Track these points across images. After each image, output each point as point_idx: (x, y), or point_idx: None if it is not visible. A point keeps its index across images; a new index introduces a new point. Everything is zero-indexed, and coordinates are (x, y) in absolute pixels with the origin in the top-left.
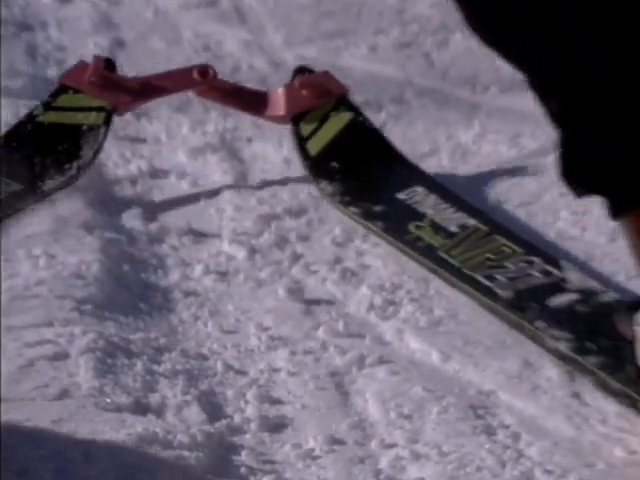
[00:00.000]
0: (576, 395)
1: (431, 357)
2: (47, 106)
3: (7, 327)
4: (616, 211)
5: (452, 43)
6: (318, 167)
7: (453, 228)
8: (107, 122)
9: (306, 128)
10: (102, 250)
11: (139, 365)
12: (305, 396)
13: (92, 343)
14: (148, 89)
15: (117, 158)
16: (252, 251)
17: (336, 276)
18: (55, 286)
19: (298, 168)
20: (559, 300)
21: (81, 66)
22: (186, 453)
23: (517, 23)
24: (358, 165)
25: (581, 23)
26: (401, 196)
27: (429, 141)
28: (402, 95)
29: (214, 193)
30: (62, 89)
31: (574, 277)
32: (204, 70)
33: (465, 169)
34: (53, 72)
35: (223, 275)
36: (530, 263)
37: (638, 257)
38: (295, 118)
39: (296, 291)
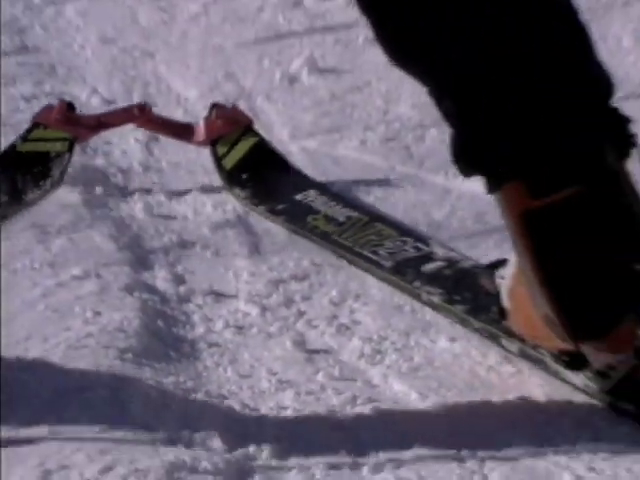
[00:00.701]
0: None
1: (411, 397)
2: (24, 138)
3: (64, 371)
4: (490, 188)
5: (428, 137)
6: (232, 178)
7: (342, 219)
8: (70, 149)
9: (221, 149)
10: (141, 308)
11: (172, 404)
12: (308, 429)
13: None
14: (100, 123)
15: (153, 232)
16: (263, 309)
17: (333, 330)
18: (101, 338)
19: (302, 242)
20: (429, 267)
21: (48, 108)
22: (210, 477)
23: (419, 40)
24: (262, 175)
25: (473, 39)
26: (298, 197)
27: (409, 218)
28: (387, 180)
29: (232, 261)
30: (35, 125)
31: (440, 251)
32: (142, 107)
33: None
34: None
35: (240, 329)
36: (404, 242)
37: (509, 228)
38: (213, 142)
39: (300, 342)
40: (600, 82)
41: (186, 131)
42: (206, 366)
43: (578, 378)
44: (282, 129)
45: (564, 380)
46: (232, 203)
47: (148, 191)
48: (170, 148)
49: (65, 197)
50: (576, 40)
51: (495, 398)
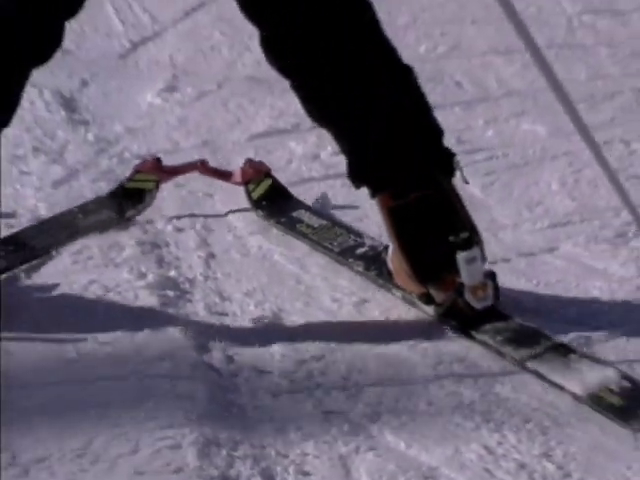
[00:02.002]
0: None
1: (400, 445)
2: (129, 180)
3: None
4: (371, 195)
5: None
6: (257, 204)
7: (316, 225)
8: (157, 187)
9: (251, 187)
10: (202, 380)
11: (223, 451)
12: (325, 469)
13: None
14: (176, 171)
15: (210, 325)
16: (291, 381)
17: (343, 397)
18: (176, 402)
19: (319, 333)
20: (359, 250)
21: (145, 161)
22: None
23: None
24: (274, 202)
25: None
26: (294, 214)
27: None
28: None
29: (268, 346)
30: (136, 172)
31: (367, 241)
32: (202, 161)
33: None
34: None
35: (274, 396)
36: (349, 237)
37: (383, 220)
38: (246, 182)
39: (317, 406)
40: (436, 133)
41: (229, 176)
42: (251, 422)
43: (428, 307)
44: None
45: (421, 309)
46: (269, 302)
47: (207, 295)
48: (223, 262)
49: (146, 299)
50: (420, 107)
51: (463, 448)
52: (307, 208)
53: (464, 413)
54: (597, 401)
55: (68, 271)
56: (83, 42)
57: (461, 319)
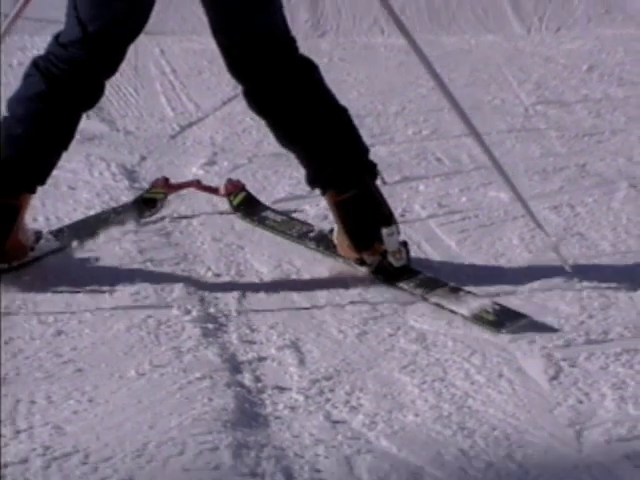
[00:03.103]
0: None
1: (393, 449)
2: (147, 192)
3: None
4: (322, 193)
5: None
6: (236, 209)
7: (279, 219)
8: (165, 197)
9: (232, 197)
10: (235, 396)
11: (251, 453)
12: (334, 468)
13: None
14: (178, 187)
15: (243, 352)
16: (306, 397)
17: (347, 409)
18: (215, 414)
19: (328, 358)
20: (311, 234)
21: (157, 179)
22: None
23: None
24: (248, 206)
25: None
26: (263, 214)
27: None
28: None
29: (286, 370)
30: (152, 186)
31: (315, 228)
32: (198, 180)
33: None
34: None
35: (292, 408)
36: (302, 226)
37: (331, 211)
38: (228, 194)
39: (327, 417)
40: (364, 150)
41: (216, 191)
42: (274, 429)
43: (362, 268)
44: None
45: (358, 269)
46: (289, 333)
47: (239, 327)
48: (252, 301)
49: (191, 330)
50: (352, 134)
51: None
52: (270, 209)
53: (444, 423)
54: (479, 318)
55: (128, 307)
56: (141, 125)
57: (386, 274)
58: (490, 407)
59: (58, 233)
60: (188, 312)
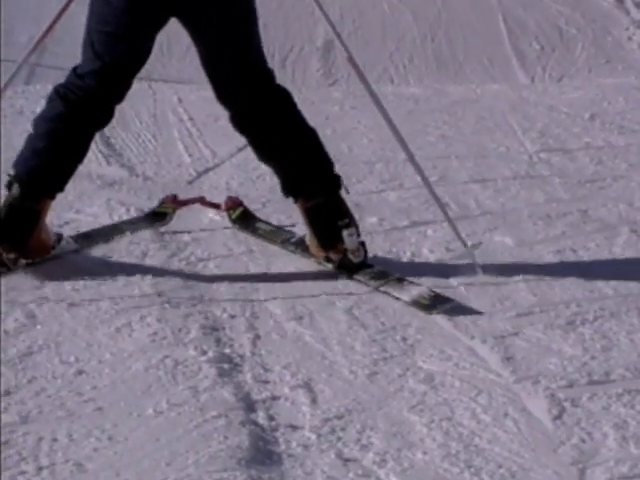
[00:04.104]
0: None
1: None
2: (159, 206)
3: (208, 472)
4: (294, 201)
5: None
6: (234, 222)
7: (268, 229)
8: (174, 212)
9: (231, 212)
10: (250, 434)
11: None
12: None
13: None
14: (185, 202)
15: (257, 391)
16: (318, 435)
17: (358, 448)
18: (233, 453)
19: (340, 398)
20: (292, 240)
21: (167, 196)
22: None
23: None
24: (245, 219)
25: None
26: (257, 225)
27: None
28: None
29: (299, 409)
30: (162, 202)
31: (296, 235)
32: (202, 197)
33: None
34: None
35: (305, 447)
36: (286, 234)
37: (302, 217)
38: (227, 209)
39: (339, 455)
40: (330, 165)
41: (219, 206)
42: (287, 467)
43: (329, 264)
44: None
45: (326, 266)
46: (301, 374)
47: (254, 367)
48: (266, 342)
49: (207, 370)
50: (321, 151)
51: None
52: (262, 221)
53: (451, 461)
54: (416, 303)
55: (146, 347)
56: (159, 171)
57: (347, 269)
58: (496, 445)
59: (77, 237)
60: (204, 352)
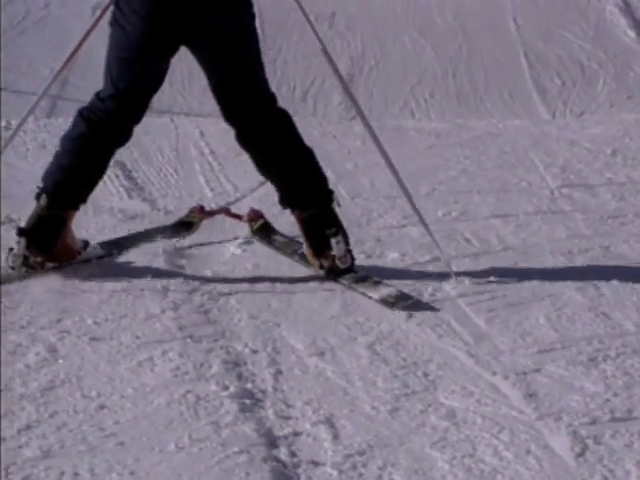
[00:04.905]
0: None
1: None
2: (187, 216)
3: None
4: (291, 212)
5: None
6: (255, 233)
7: (282, 240)
8: (200, 222)
9: (252, 223)
10: (272, 473)
11: None
12: None
13: None
14: (211, 213)
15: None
16: (340, 472)
17: None
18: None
19: (362, 434)
20: (299, 251)
21: (194, 206)
22: None
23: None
24: (265, 231)
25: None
26: (274, 237)
27: None
28: None
29: (321, 446)
30: (190, 212)
31: (303, 246)
32: (227, 208)
33: None
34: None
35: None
36: (295, 244)
37: (299, 227)
38: (250, 221)
39: None
40: (324, 179)
41: (241, 217)
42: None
43: (321, 271)
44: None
45: (318, 271)
46: (323, 409)
47: (275, 403)
48: (288, 378)
49: (229, 406)
50: (316, 167)
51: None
52: (280, 234)
53: None
54: (385, 301)
55: (168, 382)
56: (181, 205)
57: (334, 273)
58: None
59: (104, 244)
60: (226, 388)
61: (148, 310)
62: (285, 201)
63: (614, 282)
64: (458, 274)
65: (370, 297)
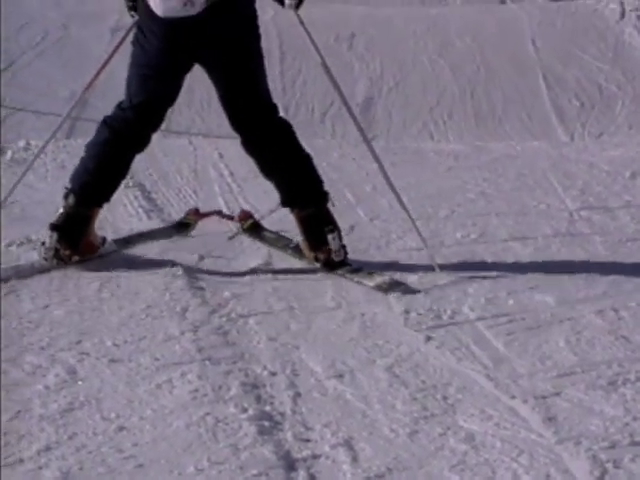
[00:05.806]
0: None
1: None
2: (185, 218)
3: None
4: (290, 211)
5: None
6: (245, 231)
7: (273, 237)
8: (196, 223)
9: (243, 223)
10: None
11: None
12: None
13: None
14: (205, 215)
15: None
16: None
17: None
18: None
19: (380, 456)
20: (291, 245)
21: (190, 209)
22: None
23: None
24: (255, 229)
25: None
26: (263, 233)
27: None
28: None
29: (315, 456)
30: (188, 214)
31: (294, 241)
32: (220, 211)
33: None
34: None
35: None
36: (287, 240)
37: (297, 226)
38: (240, 220)
39: None
40: (320, 182)
41: (233, 218)
42: None
43: (317, 263)
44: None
45: (313, 264)
46: (342, 432)
47: (294, 425)
48: (307, 400)
49: (247, 428)
50: (314, 172)
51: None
52: (268, 231)
53: None
54: (379, 287)
55: (187, 404)
56: (201, 227)
57: (330, 266)
58: None
59: (117, 241)
60: (245, 410)
61: (167, 332)
62: (286, 201)
63: (633, 305)
64: (476, 296)
65: (366, 285)
